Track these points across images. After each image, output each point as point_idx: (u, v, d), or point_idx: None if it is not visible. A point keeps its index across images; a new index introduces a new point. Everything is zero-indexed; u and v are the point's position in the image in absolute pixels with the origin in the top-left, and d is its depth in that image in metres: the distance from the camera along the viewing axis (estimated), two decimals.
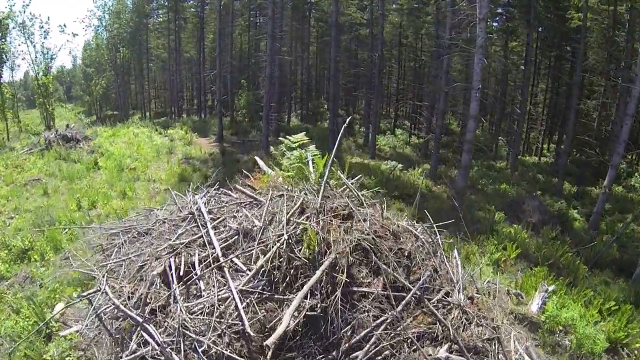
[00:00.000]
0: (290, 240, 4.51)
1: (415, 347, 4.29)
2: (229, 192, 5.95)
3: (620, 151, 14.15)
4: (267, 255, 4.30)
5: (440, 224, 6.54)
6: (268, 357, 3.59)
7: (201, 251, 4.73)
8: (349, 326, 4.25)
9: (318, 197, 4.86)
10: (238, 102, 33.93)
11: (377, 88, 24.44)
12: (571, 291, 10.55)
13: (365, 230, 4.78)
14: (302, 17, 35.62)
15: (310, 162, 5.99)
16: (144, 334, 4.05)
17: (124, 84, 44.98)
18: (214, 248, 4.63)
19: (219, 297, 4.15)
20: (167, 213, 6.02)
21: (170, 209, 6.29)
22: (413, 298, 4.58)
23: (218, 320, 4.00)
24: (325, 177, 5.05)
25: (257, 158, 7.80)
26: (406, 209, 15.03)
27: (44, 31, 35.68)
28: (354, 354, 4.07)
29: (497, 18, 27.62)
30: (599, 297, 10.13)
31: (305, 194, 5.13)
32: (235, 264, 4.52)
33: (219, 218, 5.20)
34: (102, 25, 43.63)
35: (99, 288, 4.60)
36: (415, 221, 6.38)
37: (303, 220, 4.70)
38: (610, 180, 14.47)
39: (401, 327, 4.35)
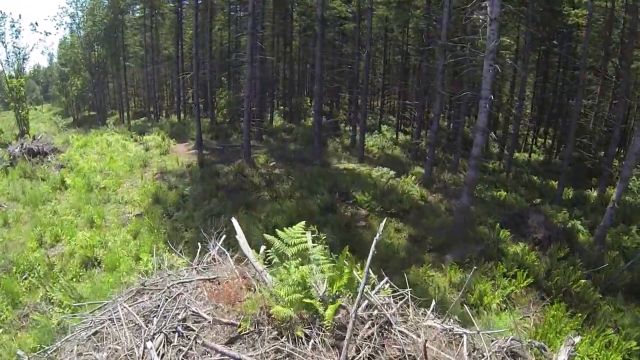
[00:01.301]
0: None
1: None
2: (201, 313, 4.06)
3: (632, 164, 12.66)
4: None
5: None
6: None
7: None
8: None
9: None
10: (218, 101, 31.62)
11: (364, 87, 22.43)
12: (590, 328, 9.57)
13: None
14: (284, 11, 33.24)
15: (319, 284, 4.10)
16: None
17: (101, 84, 42.12)
18: None
19: None
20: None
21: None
22: None
23: None
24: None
25: (234, 222, 5.94)
26: (404, 228, 13.37)
27: (16, 30, 32.90)
28: None
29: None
30: (620, 337, 9.28)
31: (315, 346, 3.26)
32: None
33: None
34: (75, 23, 40.56)
35: None
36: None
37: None
38: (619, 194, 13.01)
39: None
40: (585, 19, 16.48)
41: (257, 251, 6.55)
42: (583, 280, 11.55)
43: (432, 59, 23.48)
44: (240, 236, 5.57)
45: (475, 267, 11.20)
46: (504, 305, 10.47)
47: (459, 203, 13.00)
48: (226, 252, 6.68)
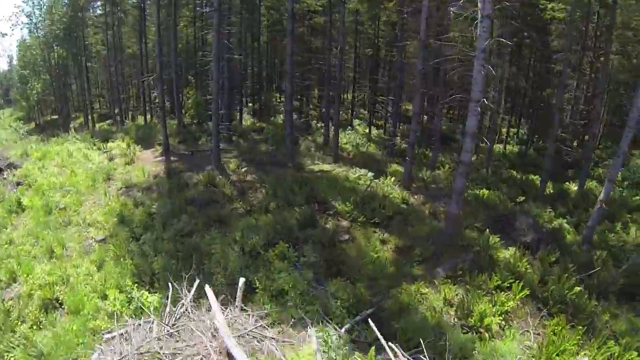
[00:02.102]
0: None
1: None
2: None
3: (619, 165, 11.96)
4: None
5: None
6: None
7: None
8: None
9: None
10: (186, 101, 29.74)
11: (337, 83, 21.05)
12: (590, 342, 9.18)
13: None
14: (252, 6, 31.41)
15: None
16: None
17: (63, 86, 39.31)
18: None
19: None
20: None
21: None
22: None
23: None
24: None
25: (208, 291, 4.73)
26: (390, 238, 12.30)
27: None
28: None
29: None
30: (620, 348, 9.07)
31: None
32: None
33: None
34: (33, 23, 37.58)
35: None
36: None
37: None
38: (606, 194, 12.37)
39: None
40: (568, 13, 15.68)
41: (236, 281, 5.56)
42: (578, 288, 10.93)
43: (405, 54, 22.41)
44: (217, 311, 4.28)
45: (469, 287, 10.36)
46: (504, 322, 9.59)
47: (448, 212, 12.00)
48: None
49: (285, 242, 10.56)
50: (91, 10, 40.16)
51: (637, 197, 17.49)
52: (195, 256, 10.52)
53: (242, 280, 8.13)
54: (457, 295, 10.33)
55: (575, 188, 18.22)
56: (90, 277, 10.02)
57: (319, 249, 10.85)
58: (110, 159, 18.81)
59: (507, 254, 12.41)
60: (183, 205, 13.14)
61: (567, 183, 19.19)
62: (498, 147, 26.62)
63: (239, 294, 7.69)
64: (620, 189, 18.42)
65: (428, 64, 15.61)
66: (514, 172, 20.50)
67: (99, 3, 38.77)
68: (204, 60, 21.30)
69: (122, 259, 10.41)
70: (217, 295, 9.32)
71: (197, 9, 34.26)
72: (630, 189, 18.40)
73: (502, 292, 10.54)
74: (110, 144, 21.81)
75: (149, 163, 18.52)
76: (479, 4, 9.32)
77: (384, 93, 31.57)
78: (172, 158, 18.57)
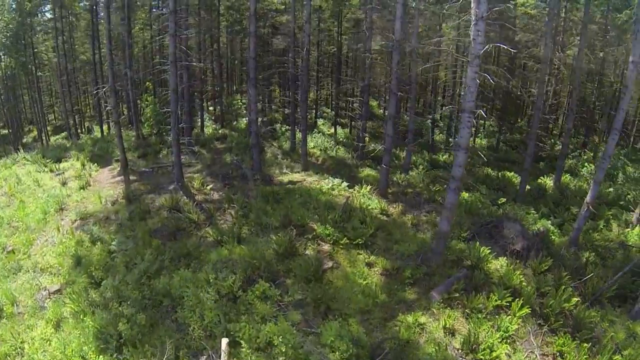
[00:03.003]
0: None
1: None
2: None
3: (605, 167, 11.40)
4: None
5: None
6: None
7: None
8: None
9: None
10: (144, 109, 27.37)
11: (303, 85, 19.50)
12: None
13: None
14: (210, 6, 29.26)
15: None
16: None
17: (13, 98, 35.90)
18: None
19: None
20: None
21: None
22: None
23: None
24: None
25: None
26: (376, 260, 11.13)
27: None
28: None
29: None
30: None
31: None
32: None
33: None
34: None
35: None
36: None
37: None
38: (592, 196, 11.84)
39: None
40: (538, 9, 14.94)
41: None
42: (575, 299, 10.33)
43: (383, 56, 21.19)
44: None
45: (467, 311, 9.43)
46: (510, 348, 8.72)
47: (438, 230, 10.97)
48: None
49: (264, 279, 9.25)
50: (39, 15, 36.76)
51: (611, 190, 17.18)
52: (166, 303, 9.04)
53: (224, 341, 6.88)
54: (456, 321, 9.36)
55: (551, 182, 17.73)
56: (48, 343, 8.38)
57: (303, 283, 9.59)
58: (64, 183, 16.71)
59: (498, 265, 11.64)
60: (146, 238, 11.49)
61: (541, 178, 18.69)
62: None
63: (224, 358, 6.38)
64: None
65: (402, 67, 14.50)
66: (489, 169, 19.85)
67: (48, 7, 35.44)
68: (160, 67, 19.29)
69: (82, 316, 8.78)
70: (197, 353, 7.95)
71: (153, 10, 31.84)
72: (603, 181, 18.11)
73: (503, 312, 9.71)
74: (63, 164, 19.58)
75: (106, 185, 16.59)
76: (473, 5, 8.19)
77: (347, 92, 30.42)
78: (131, 177, 16.67)
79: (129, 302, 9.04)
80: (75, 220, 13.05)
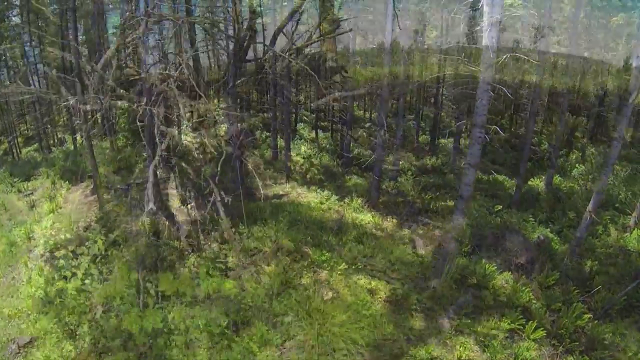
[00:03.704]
0: None
1: None
2: None
3: (607, 176, 11.02)
4: None
5: None
6: None
7: None
8: None
9: None
10: (119, 117, 25.69)
11: (288, 96, 18.42)
12: None
13: None
14: (186, 10, 27.62)
15: None
16: None
17: None
18: None
19: None
20: None
21: None
22: None
23: None
24: None
25: None
26: (378, 286, 10.26)
27: None
28: None
29: None
30: None
31: None
32: None
33: None
34: None
35: None
36: None
37: None
38: (595, 205, 11.21)
39: None
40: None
41: None
42: (587, 315, 9.72)
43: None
44: None
45: (481, 339, 8.69)
46: None
47: (445, 251, 10.20)
48: None
49: (260, 320, 8.26)
50: (6, 21, 34.39)
51: None
52: (152, 355, 7.94)
53: None
54: (471, 352, 8.60)
55: (542, 184, 17.28)
56: None
57: (302, 321, 8.62)
58: (32, 206, 15.21)
59: (503, 280, 10.97)
60: (124, 272, 10.26)
61: (532, 180, 18.24)
62: (450, 142, 25.48)
63: None
64: (583, 181, 17.71)
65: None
66: (478, 172, 19.27)
67: (15, 12, 33.14)
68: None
69: None
70: None
71: (127, 13, 29.98)
72: (592, 182, 17.81)
73: (517, 336, 9.04)
74: (33, 182, 17.95)
75: (78, 206, 15.13)
76: (485, 9, 7.35)
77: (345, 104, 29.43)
78: (105, 196, 15.28)
79: (109, 354, 7.90)
80: (44, 253, 11.66)
